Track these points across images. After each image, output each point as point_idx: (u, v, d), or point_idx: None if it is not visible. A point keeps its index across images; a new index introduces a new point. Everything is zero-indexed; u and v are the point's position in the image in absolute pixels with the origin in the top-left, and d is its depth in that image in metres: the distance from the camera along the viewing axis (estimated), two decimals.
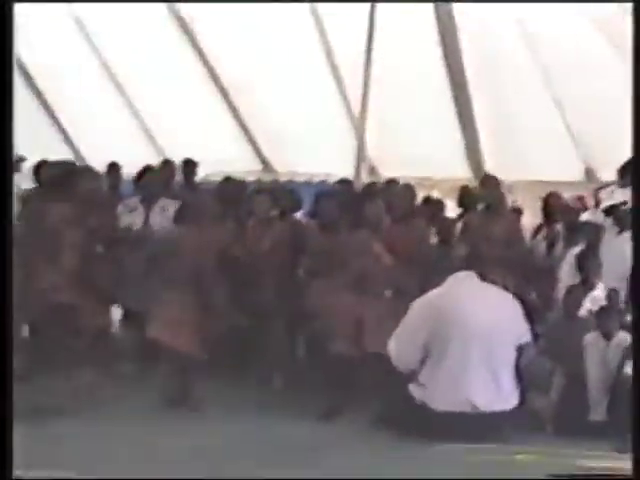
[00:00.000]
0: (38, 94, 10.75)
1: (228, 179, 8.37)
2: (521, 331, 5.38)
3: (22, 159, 8.85)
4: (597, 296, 6.28)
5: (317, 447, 4.93)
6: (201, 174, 8.90)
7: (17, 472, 3.11)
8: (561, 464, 4.53)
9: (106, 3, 9.28)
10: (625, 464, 4.09)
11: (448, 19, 8.65)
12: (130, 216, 7.88)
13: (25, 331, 8.17)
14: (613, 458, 4.65)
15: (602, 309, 5.93)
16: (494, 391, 5.20)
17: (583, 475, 3.82)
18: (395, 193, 7.43)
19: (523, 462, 4.64)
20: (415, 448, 4.92)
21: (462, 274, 5.55)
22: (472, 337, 5.21)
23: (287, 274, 7.40)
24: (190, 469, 4.22)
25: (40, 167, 8.25)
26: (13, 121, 4.03)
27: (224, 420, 5.60)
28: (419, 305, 5.48)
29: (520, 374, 5.28)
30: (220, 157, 9.59)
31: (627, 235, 6.22)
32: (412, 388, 5.35)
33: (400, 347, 5.48)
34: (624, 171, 7.12)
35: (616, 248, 6.45)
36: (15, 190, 8.70)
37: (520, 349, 5.32)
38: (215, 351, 6.42)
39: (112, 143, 9.71)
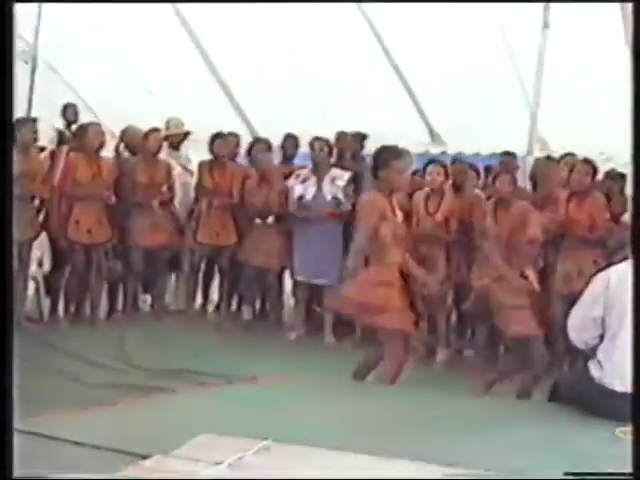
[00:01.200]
0: (211, 68, 10.99)
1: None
2: None
3: (188, 133, 9.17)
4: None
5: (494, 422, 4.89)
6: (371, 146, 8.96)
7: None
8: None
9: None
10: None
11: None
12: (302, 186, 8.04)
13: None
14: None
15: None
16: None
17: (591, 472, 3.66)
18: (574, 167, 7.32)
19: None
20: (587, 427, 4.81)
21: None
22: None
23: (459, 247, 7.38)
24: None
25: (215, 139, 8.51)
26: (13, 121, 4.05)
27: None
28: (598, 279, 5.31)
29: None
30: (388, 129, 9.59)
31: None
32: (591, 365, 5.23)
33: (576, 321, 5.38)
34: None
35: None
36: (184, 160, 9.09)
37: None
38: None
39: (284, 115, 9.84)
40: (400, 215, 5.90)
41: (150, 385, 5.56)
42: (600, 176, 7.77)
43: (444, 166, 7.54)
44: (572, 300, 5.63)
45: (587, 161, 7.37)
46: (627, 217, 7.23)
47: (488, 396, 5.71)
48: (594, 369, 5.19)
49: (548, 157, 8.37)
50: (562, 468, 3.81)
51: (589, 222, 7.14)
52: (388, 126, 9.64)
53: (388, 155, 5.90)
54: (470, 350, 7.44)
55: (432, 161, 7.67)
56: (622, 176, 7.91)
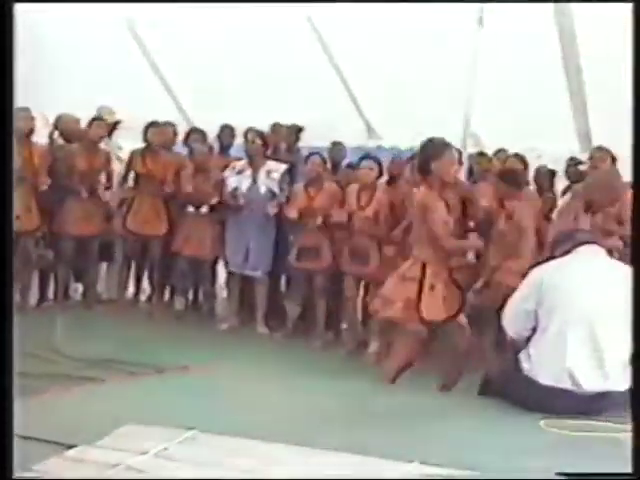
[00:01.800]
0: (147, 56, 10.92)
1: (336, 144, 8.47)
2: None
3: (119, 121, 9.11)
4: None
5: (423, 415, 4.93)
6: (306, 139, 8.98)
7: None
8: None
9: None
10: None
11: None
12: (237, 178, 8.04)
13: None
14: None
15: None
16: (598, 371, 5.02)
17: (591, 473, 3.76)
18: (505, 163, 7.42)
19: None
20: (513, 420, 4.87)
21: (585, 248, 5.35)
22: (573, 315, 5.05)
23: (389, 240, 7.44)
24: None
25: (149, 127, 8.46)
26: (13, 121, 4.01)
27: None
28: (534, 272, 5.39)
29: None
30: (325, 122, 9.63)
31: None
32: (521, 357, 5.29)
33: (510, 313, 5.44)
34: None
35: None
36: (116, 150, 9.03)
37: None
38: None
39: (220, 105, 9.81)
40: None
41: (80, 375, 5.51)
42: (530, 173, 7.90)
43: (378, 162, 7.62)
44: None
45: (518, 157, 7.47)
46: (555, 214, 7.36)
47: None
48: (524, 360, 5.26)
49: (481, 153, 8.47)
50: (489, 461, 3.87)
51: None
52: (325, 118, 9.70)
53: (439, 146, 5.83)
54: None
55: (367, 156, 7.72)
56: (552, 173, 8.04)
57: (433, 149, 5.82)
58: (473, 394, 5.48)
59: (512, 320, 5.43)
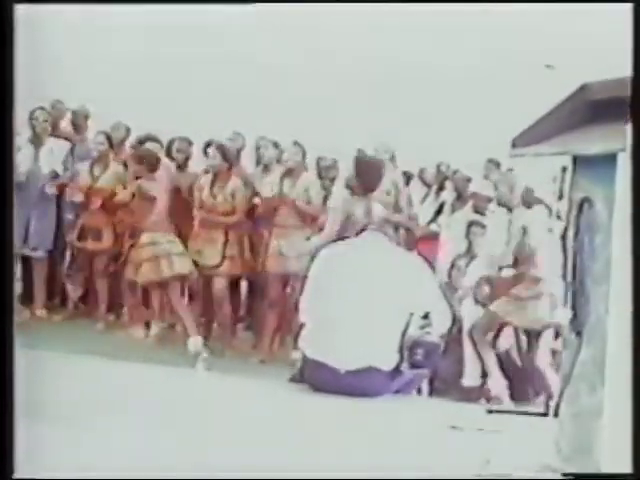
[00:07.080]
0: None
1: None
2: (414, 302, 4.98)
3: None
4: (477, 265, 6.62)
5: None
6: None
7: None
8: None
9: None
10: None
11: None
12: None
13: None
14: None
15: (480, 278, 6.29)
16: (366, 348, 4.83)
17: (591, 473, 3.90)
18: None
19: None
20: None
21: (367, 233, 5.19)
22: (343, 296, 4.89)
23: None
24: None
25: None
26: (14, 122, 3.82)
27: None
28: (322, 253, 5.26)
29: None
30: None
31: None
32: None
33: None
34: None
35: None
36: None
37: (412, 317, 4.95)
38: None
39: None
40: None
41: None
42: None
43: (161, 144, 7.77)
44: None
45: None
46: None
47: None
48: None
49: None
50: None
51: None
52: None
53: None
54: None
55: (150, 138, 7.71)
56: None
57: None
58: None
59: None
